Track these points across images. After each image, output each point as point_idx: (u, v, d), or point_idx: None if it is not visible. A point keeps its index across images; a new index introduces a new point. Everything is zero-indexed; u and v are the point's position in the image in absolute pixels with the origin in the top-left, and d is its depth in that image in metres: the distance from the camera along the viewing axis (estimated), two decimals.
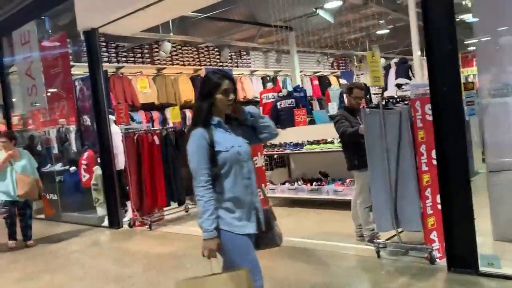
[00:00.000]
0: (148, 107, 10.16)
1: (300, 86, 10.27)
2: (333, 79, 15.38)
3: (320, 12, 9.99)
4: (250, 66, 12.86)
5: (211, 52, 11.85)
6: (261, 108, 8.26)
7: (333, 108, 11.20)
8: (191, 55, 11.38)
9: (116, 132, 6.90)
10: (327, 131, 6.93)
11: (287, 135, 7.26)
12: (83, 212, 7.59)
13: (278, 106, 7.48)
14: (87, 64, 9.02)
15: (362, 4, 10.52)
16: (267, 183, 6.96)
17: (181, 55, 11.10)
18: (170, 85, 10.65)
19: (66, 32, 7.22)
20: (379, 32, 13.56)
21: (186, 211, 7.24)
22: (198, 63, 11.55)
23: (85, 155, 7.39)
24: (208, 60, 11.75)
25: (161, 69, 10.71)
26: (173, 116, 8.23)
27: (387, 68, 6.63)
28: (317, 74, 14.94)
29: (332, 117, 9.32)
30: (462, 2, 11.24)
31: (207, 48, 11.77)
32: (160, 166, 6.49)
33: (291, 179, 7.09)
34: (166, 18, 7.26)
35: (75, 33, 7.37)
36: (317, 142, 6.38)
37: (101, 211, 7.09)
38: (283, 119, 7.39)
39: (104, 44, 9.72)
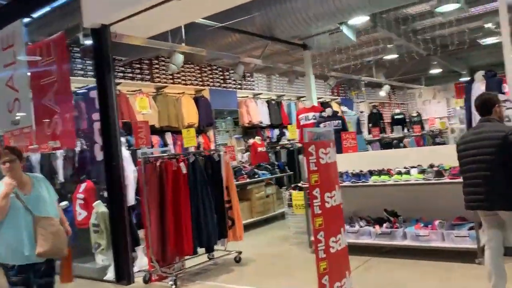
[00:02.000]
0: None
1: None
2: (335, 106, 14.40)
3: (344, 29, 8.98)
4: (253, 89, 11.67)
5: (214, 71, 10.62)
6: (298, 131, 6.97)
7: None
8: (193, 73, 10.09)
9: (127, 159, 5.44)
10: (383, 159, 5.78)
11: None
12: (76, 261, 5.94)
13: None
14: (80, 78, 7.73)
15: (370, 27, 9.69)
16: None
17: (183, 74, 9.79)
18: (172, 106, 9.25)
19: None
20: (387, 57, 12.81)
21: (210, 259, 5.75)
22: (201, 83, 10.26)
23: (82, 187, 5.85)
24: (212, 80, 10.49)
25: (161, 88, 9.33)
26: (187, 140, 6.83)
27: (469, 82, 5.54)
28: (319, 100, 13.90)
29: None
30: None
31: (210, 67, 10.54)
32: (187, 202, 5.05)
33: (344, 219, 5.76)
34: (191, 16, 5.97)
35: None
36: (386, 173, 5.13)
37: (103, 259, 5.51)
38: None
39: None
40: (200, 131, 9.85)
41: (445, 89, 18.40)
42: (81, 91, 6.63)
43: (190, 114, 9.52)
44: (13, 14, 6.31)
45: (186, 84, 9.84)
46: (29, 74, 6.13)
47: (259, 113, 11.24)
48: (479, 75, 5.22)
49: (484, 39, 10.64)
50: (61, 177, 7.20)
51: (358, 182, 5.27)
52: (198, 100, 9.83)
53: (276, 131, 11.96)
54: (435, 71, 16.39)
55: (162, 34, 6.86)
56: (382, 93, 14.37)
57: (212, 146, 9.74)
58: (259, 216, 7.70)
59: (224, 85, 10.80)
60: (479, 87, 5.05)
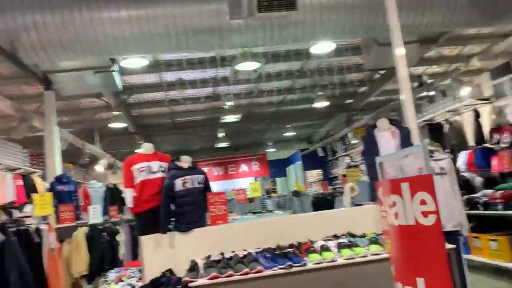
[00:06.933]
0: None
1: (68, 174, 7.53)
2: (38, 180, 9.21)
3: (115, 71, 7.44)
4: None
5: None
6: (129, 191, 4.73)
7: (95, 212, 6.76)
8: None
9: None
10: (264, 232, 4.08)
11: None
12: None
13: (179, 187, 4.37)
14: None
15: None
16: None
17: None
18: None
19: None
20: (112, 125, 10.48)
21: None
22: None
23: None
24: None
25: None
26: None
27: (370, 133, 4.84)
28: (18, 171, 8.90)
29: None
30: None
31: None
32: None
33: None
34: None
35: None
36: (326, 249, 3.64)
37: None
38: (188, 211, 4.38)
39: None
40: None
41: None
42: None
43: None
44: None
45: None
46: None
47: None
48: (385, 123, 4.70)
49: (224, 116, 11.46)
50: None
51: (295, 266, 3.43)
52: None
53: None
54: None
55: None
56: (99, 167, 11.83)
57: None
58: None
59: None
60: (386, 138, 4.57)
